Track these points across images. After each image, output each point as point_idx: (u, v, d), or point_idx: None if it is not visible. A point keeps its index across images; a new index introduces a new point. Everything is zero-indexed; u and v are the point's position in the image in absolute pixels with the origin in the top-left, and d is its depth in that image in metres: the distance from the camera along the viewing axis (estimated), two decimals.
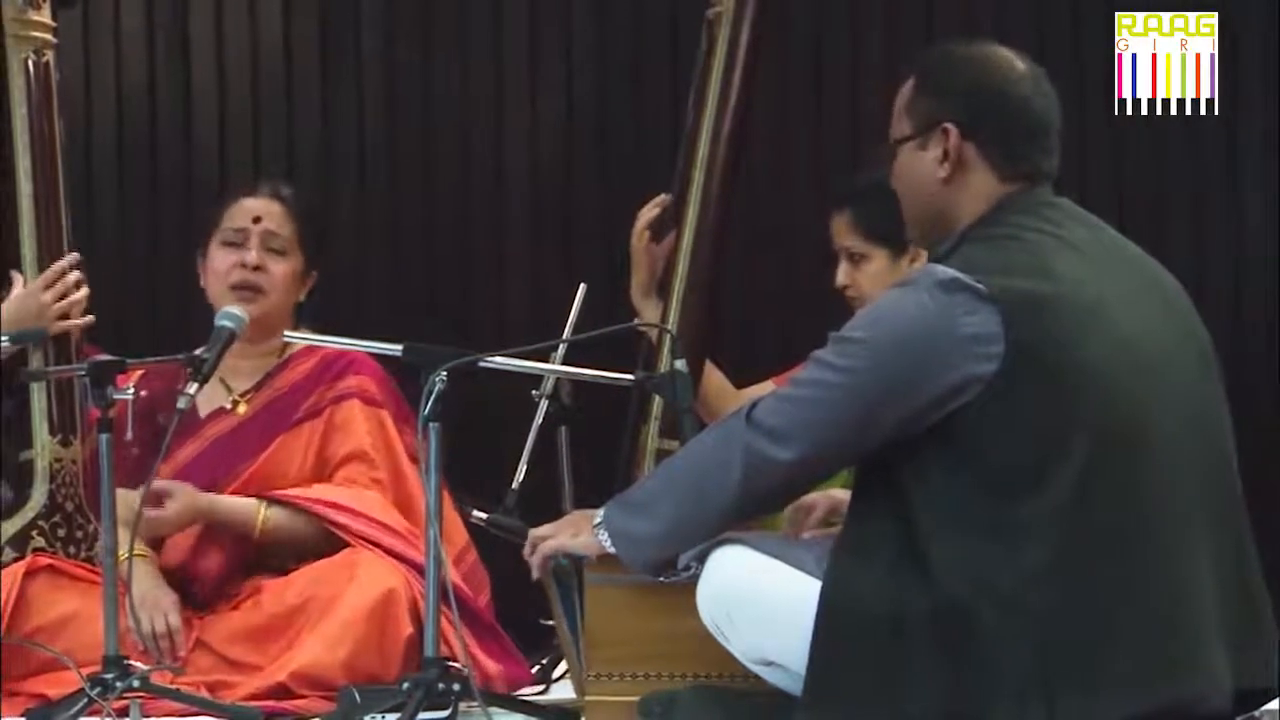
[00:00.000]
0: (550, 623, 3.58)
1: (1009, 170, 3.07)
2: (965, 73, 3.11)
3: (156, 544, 4.09)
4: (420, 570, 3.81)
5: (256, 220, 4.15)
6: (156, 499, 3.95)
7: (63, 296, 4.11)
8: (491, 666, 3.91)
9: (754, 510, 3.15)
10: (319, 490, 4.06)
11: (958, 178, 3.08)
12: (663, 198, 4.19)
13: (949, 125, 3.07)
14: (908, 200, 3.17)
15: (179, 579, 4.05)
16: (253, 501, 4.03)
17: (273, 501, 4.04)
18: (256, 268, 4.12)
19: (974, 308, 2.91)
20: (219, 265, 4.15)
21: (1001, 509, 2.89)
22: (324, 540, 4.00)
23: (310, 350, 4.19)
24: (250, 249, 4.13)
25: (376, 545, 3.95)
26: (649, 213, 4.19)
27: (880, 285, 3.73)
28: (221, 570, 4.06)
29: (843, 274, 3.96)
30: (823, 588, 2.99)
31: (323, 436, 4.13)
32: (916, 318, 2.94)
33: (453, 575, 3.89)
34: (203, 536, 4.06)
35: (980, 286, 2.91)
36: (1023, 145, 3.07)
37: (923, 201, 3.13)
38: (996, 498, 2.90)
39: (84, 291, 4.14)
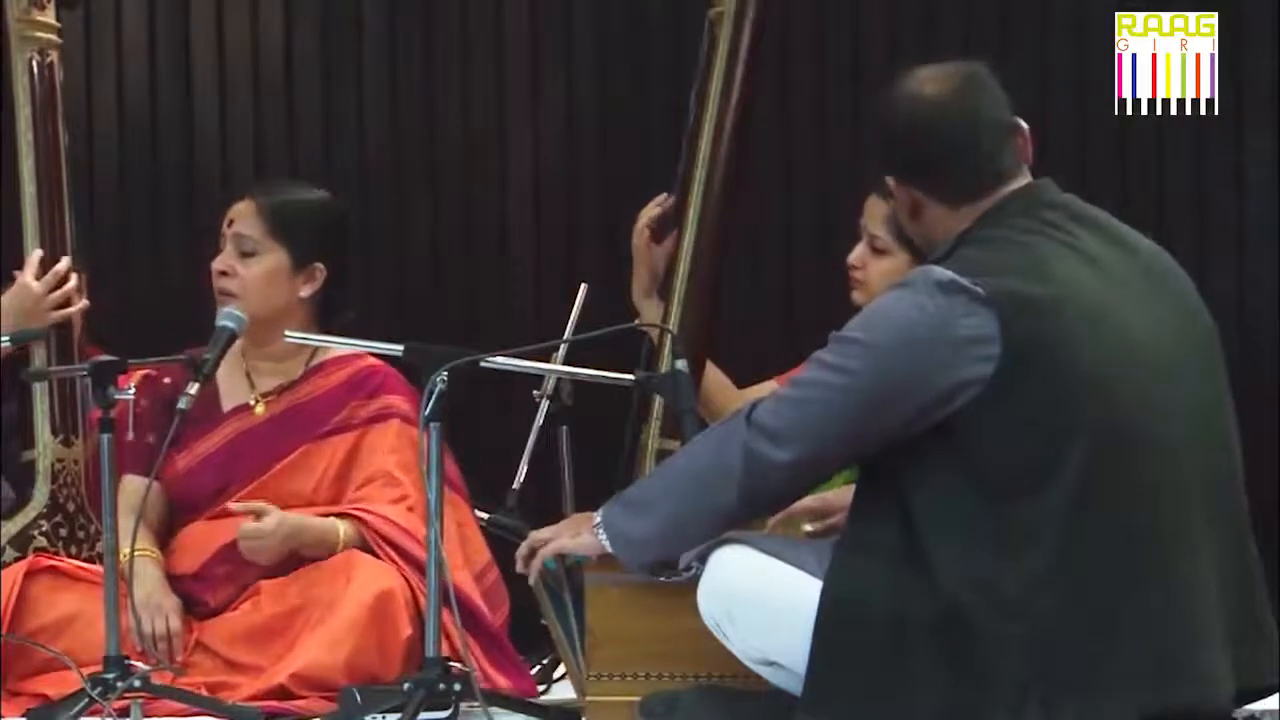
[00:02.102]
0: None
1: (957, 196, 3.10)
2: (889, 123, 3.17)
3: (167, 539, 4.09)
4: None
5: (230, 224, 4.14)
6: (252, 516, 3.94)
7: (56, 287, 4.11)
8: (501, 681, 3.89)
9: (754, 511, 3.15)
10: (384, 509, 4.03)
11: (919, 218, 3.15)
12: (664, 197, 4.19)
13: (889, 179, 3.15)
14: (907, 234, 3.29)
15: (186, 589, 4.04)
16: (331, 521, 4.01)
17: (342, 516, 4.01)
18: (222, 272, 4.11)
19: (971, 309, 2.92)
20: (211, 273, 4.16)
21: (1001, 510, 2.90)
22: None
23: (341, 361, 4.16)
24: (222, 254, 4.12)
25: (395, 546, 3.93)
26: (650, 211, 4.18)
27: (889, 281, 3.73)
28: (232, 587, 4.04)
29: (857, 255, 3.92)
30: (823, 588, 2.99)
31: (349, 453, 4.09)
32: (916, 319, 2.95)
33: (471, 591, 3.89)
34: (217, 553, 4.05)
35: (977, 288, 2.93)
36: (955, 172, 3.09)
37: (912, 237, 3.23)
38: (996, 499, 2.90)
39: (74, 282, 4.14)
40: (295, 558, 4.00)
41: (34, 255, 4.12)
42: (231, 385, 4.11)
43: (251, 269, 4.10)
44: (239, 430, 4.13)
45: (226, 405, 4.14)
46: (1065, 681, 2.86)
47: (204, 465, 4.10)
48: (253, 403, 4.15)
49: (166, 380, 4.08)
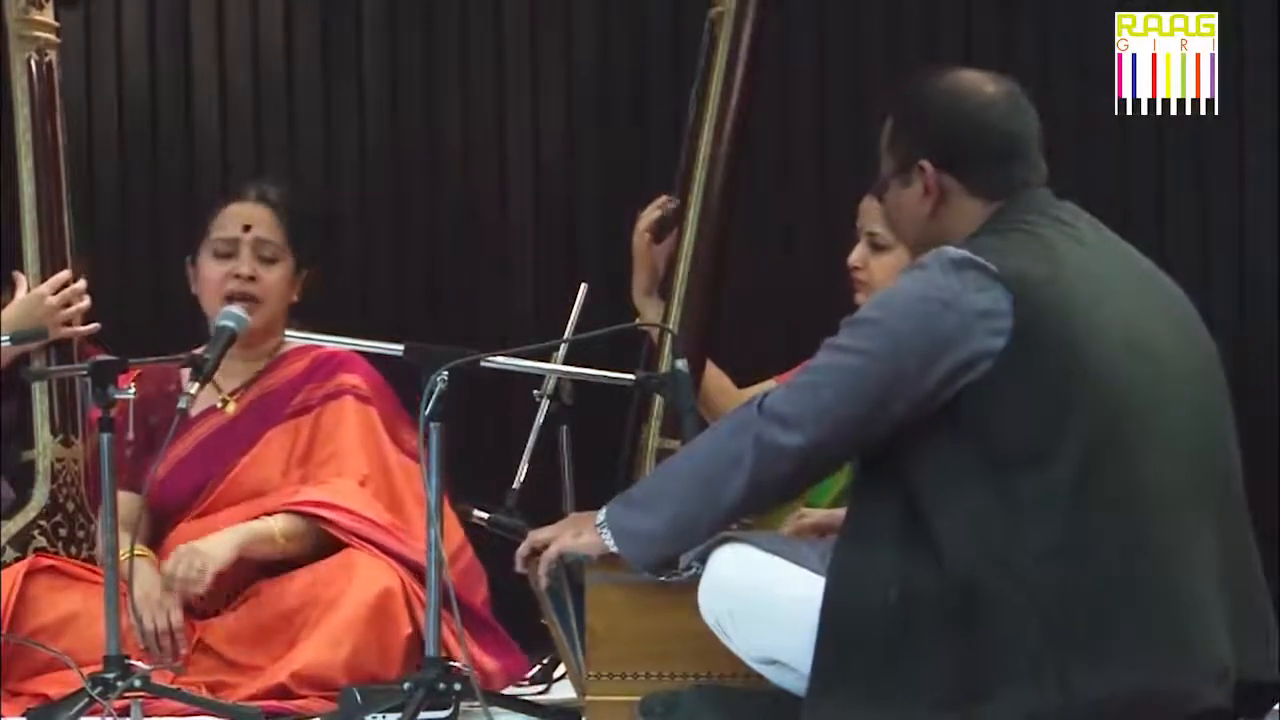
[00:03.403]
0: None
1: (991, 192, 3.11)
2: (935, 106, 3.15)
3: (154, 546, 4.09)
4: (407, 565, 3.83)
5: (247, 228, 4.15)
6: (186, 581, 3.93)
7: (68, 303, 4.12)
8: (489, 663, 3.91)
9: (761, 502, 3.15)
10: (306, 492, 4.05)
11: (942, 209, 3.13)
12: (664, 199, 4.19)
13: (924, 162, 3.11)
14: (902, 234, 3.25)
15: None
16: (262, 522, 4.02)
17: (274, 513, 4.03)
18: (250, 278, 4.12)
19: (984, 284, 2.96)
20: (211, 276, 4.14)
21: (1009, 484, 2.92)
22: (327, 541, 4.01)
23: (303, 350, 4.19)
24: (242, 259, 4.13)
25: (368, 540, 3.95)
26: (651, 214, 4.18)
27: (893, 276, 3.73)
28: (225, 588, 4.04)
29: (858, 256, 3.93)
30: (829, 572, 3.00)
31: (310, 433, 4.13)
32: (930, 295, 2.98)
33: (448, 573, 3.90)
34: None
35: (990, 265, 2.96)
36: (1000, 168, 3.11)
37: (916, 235, 3.17)
38: (1004, 473, 2.92)
39: (87, 301, 4.15)
40: (290, 560, 4.01)
41: (64, 273, 4.12)
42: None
43: (274, 275, 4.15)
44: (210, 430, 4.15)
45: (195, 409, 4.13)
46: (1076, 649, 2.88)
47: (180, 469, 4.11)
48: (220, 404, 4.16)
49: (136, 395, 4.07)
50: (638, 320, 4.12)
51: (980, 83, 3.14)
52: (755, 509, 3.17)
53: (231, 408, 4.16)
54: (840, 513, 3.44)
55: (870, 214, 3.89)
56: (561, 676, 3.97)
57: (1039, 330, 2.94)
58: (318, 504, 4.01)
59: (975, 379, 2.94)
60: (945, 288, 2.97)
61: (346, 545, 3.97)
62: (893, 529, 2.97)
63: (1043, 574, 2.89)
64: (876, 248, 3.89)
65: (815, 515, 3.68)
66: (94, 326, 4.17)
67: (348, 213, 5.22)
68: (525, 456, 3.84)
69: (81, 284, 4.15)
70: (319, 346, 4.14)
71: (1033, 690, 2.87)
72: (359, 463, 4.10)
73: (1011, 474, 2.92)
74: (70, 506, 4.12)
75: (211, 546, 3.95)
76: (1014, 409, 2.93)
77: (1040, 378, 2.93)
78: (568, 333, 3.86)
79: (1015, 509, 2.91)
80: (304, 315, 4.24)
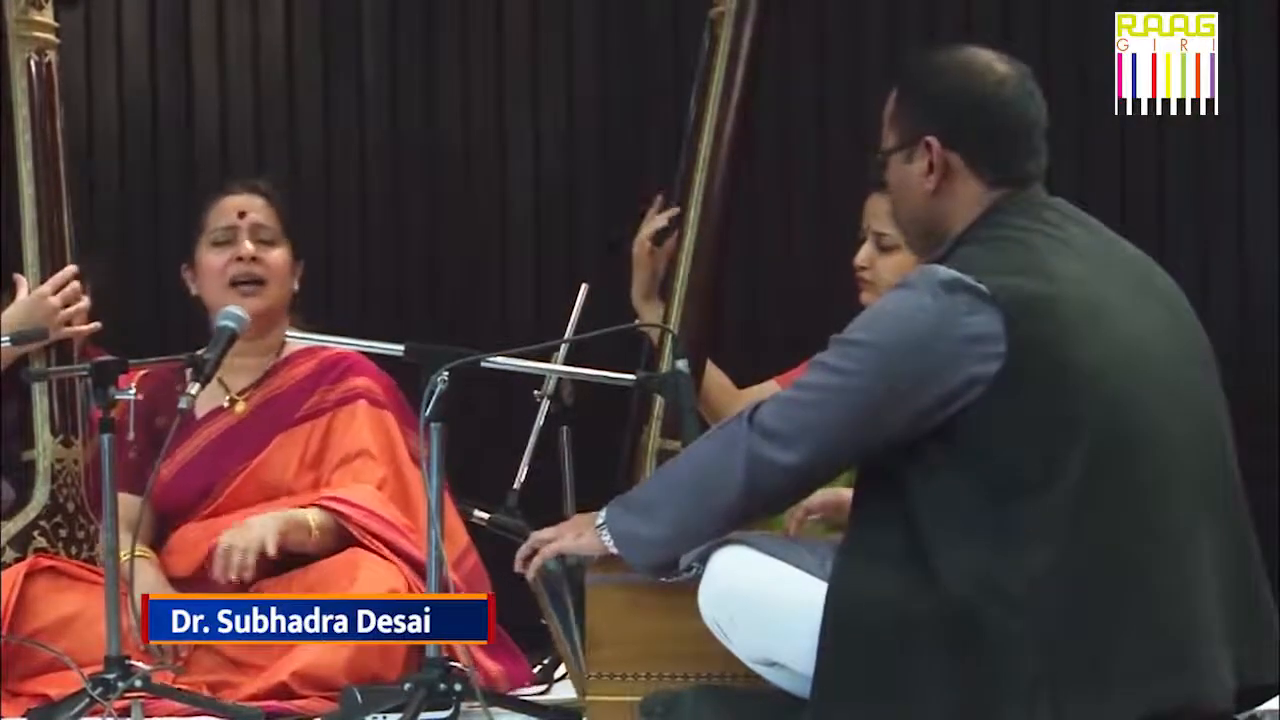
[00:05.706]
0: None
1: (995, 176, 3.06)
2: (944, 82, 3.10)
3: (157, 547, 4.09)
4: (420, 568, 3.82)
5: (242, 215, 4.17)
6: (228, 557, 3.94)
7: (69, 303, 4.12)
8: (492, 667, 3.92)
9: (757, 513, 3.15)
10: (331, 491, 4.06)
11: (945, 187, 3.08)
12: (671, 210, 4.17)
13: (930, 137, 3.07)
14: (900, 211, 3.18)
15: (187, 590, 4.04)
16: (299, 510, 4.02)
17: (306, 507, 4.03)
18: (254, 259, 4.13)
19: (975, 308, 2.91)
20: (213, 264, 4.15)
21: (1005, 510, 2.89)
22: (348, 543, 4.02)
23: (308, 351, 4.19)
24: (241, 242, 4.14)
25: (380, 539, 3.95)
26: (655, 223, 4.17)
27: (900, 277, 3.72)
28: (228, 587, 4.03)
29: (864, 255, 3.91)
30: (829, 592, 2.99)
31: (323, 437, 4.14)
32: (918, 319, 2.94)
33: (453, 577, 3.90)
34: (211, 554, 4.04)
35: (981, 287, 2.91)
36: (1007, 150, 3.07)
37: (915, 212, 3.13)
38: (1000, 499, 2.90)
39: (86, 301, 4.15)
40: (294, 556, 4.02)
41: (66, 271, 4.12)
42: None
43: (275, 256, 4.17)
44: (219, 431, 4.15)
45: (200, 410, 4.14)
46: (1071, 677, 2.86)
47: (186, 470, 4.11)
48: (227, 404, 4.16)
49: (140, 397, 4.07)
50: (638, 320, 4.12)
51: (991, 61, 3.09)
52: (754, 517, 3.16)
53: (241, 407, 4.16)
54: (844, 494, 3.44)
55: (877, 214, 3.88)
56: (562, 677, 3.97)
57: (1033, 354, 2.89)
58: (342, 501, 4.02)
59: (968, 404, 2.91)
60: (934, 313, 2.92)
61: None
62: (892, 549, 2.95)
63: (1040, 600, 2.86)
64: (883, 248, 3.89)
65: (815, 502, 3.64)
66: (94, 326, 4.17)
67: (347, 213, 5.22)
68: (525, 457, 3.84)
69: (76, 284, 4.15)
70: (324, 347, 4.15)
71: (1028, 718, 2.86)
72: (373, 468, 4.10)
73: (1008, 500, 2.89)
74: (70, 507, 4.12)
75: (258, 531, 3.94)
76: (1009, 437, 2.89)
77: (1035, 405, 2.89)
78: (568, 333, 3.86)
79: (1011, 535, 2.88)
80: (304, 315, 4.24)
